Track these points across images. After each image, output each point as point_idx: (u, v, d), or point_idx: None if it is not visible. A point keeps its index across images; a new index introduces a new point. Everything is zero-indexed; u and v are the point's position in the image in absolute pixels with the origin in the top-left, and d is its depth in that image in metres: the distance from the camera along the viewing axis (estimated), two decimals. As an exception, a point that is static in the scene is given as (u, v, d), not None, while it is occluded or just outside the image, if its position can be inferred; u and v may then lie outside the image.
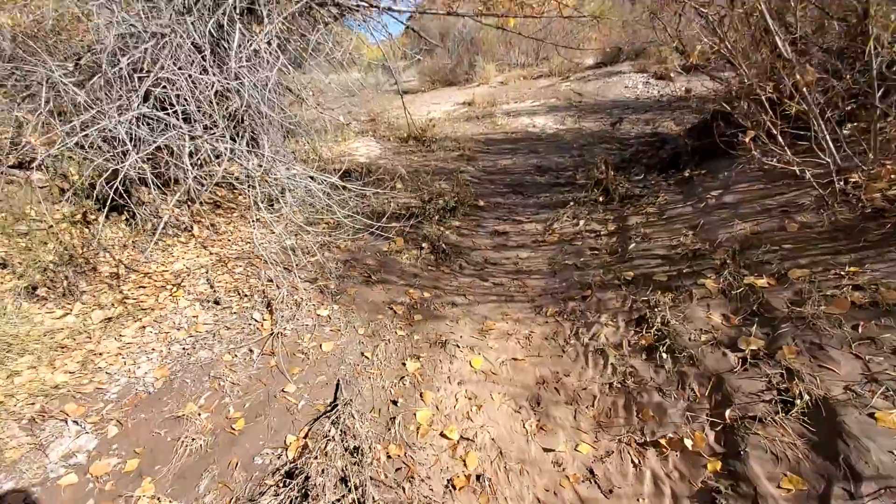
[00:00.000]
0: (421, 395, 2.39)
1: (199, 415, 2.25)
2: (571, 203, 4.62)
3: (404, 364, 2.63)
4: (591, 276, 3.25)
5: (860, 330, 1.93)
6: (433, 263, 3.84)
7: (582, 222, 4.20)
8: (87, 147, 2.60)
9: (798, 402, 1.77)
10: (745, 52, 3.11)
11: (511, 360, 2.67)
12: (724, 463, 1.75)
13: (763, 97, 2.90)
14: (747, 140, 2.61)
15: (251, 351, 2.63)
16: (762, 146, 2.81)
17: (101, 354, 2.60)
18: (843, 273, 2.29)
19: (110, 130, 2.32)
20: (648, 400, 2.13)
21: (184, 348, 2.65)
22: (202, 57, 2.81)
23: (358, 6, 3.78)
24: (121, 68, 2.27)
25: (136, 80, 2.37)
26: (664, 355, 2.31)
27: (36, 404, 2.27)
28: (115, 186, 2.66)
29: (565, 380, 2.43)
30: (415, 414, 2.27)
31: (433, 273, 3.69)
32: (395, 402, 2.34)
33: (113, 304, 3.03)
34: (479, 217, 4.85)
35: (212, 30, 3.03)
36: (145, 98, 2.48)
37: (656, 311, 2.58)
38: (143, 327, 2.86)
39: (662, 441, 1.92)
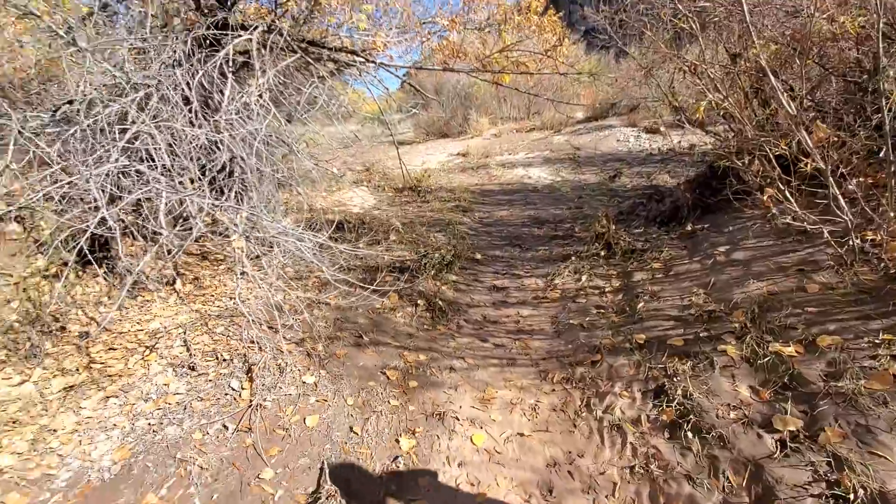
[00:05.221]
0: (417, 482, 2.10)
1: (159, 508, 1.94)
2: (573, 257, 4.47)
3: (398, 441, 2.35)
4: (600, 337, 3.03)
5: (912, 411, 1.72)
6: (429, 322, 3.61)
7: (584, 278, 4.03)
8: (59, 200, 2.44)
9: (851, 496, 1.53)
10: (749, 109, 3.07)
11: (517, 435, 2.40)
12: (778, 578, 1.48)
13: (771, 153, 2.82)
14: (765, 198, 2.49)
15: (225, 427, 2.34)
16: (777, 203, 2.70)
17: (54, 431, 2.30)
18: (876, 341, 2.11)
19: (76, 185, 2.16)
20: (678, 491, 1.87)
21: (150, 424, 2.36)
22: (190, 109, 2.71)
23: (354, 62, 3.77)
24: (96, 120, 2.14)
25: (116, 132, 2.23)
26: (690, 434, 2.06)
27: (-29, 494, 1.96)
28: (87, 240, 2.47)
29: (580, 462, 2.16)
30: (410, 506, 1.98)
31: (429, 333, 3.46)
32: (388, 492, 2.05)
33: (77, 370, 2.75)
34: (476, 271, 4.67)
35: (203, 82, 2.95)
36: (127, 151, 2.34)
37: (675, 381, 2.36)
38: (107, 398, 2.57)
39: (699, 545, 1.65)
